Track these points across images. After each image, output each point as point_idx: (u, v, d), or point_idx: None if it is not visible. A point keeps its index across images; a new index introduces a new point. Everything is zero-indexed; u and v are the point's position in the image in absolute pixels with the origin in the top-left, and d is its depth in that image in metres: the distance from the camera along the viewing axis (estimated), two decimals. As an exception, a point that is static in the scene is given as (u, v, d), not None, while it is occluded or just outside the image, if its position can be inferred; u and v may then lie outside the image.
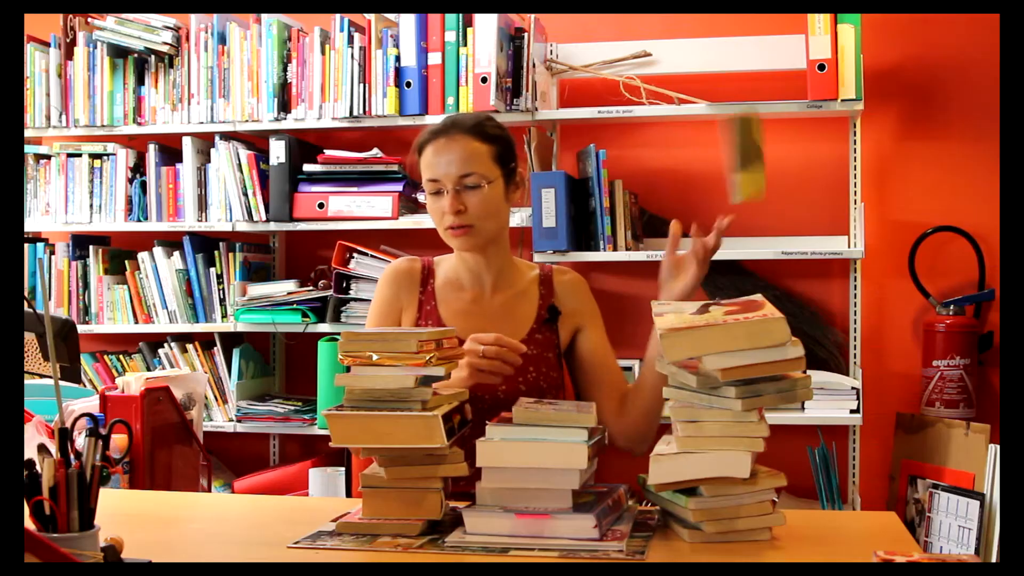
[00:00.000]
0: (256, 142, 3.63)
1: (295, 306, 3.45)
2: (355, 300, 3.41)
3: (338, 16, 3.44)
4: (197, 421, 2.27)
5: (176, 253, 3.58)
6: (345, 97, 3.42)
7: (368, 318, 2.17)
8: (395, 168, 3.42)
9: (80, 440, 1.40)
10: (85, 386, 3.09)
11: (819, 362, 3.27)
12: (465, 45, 3.34)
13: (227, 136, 3.55)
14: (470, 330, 1.93)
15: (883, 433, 3.33)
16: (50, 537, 1.24)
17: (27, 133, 3.70)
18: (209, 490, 2.28)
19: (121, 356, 3.65)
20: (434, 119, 3.32)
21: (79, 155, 3.67)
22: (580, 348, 2.13)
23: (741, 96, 3.34)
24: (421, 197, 2.13)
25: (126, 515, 1.74)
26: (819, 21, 3.10)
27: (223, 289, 3.56)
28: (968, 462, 3.01)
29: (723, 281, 3.38)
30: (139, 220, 3.63)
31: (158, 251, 3.60)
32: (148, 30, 3.57)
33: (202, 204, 3.58)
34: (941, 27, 3.34)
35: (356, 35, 3.43)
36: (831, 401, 3.11)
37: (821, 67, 3.10)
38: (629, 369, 3.27)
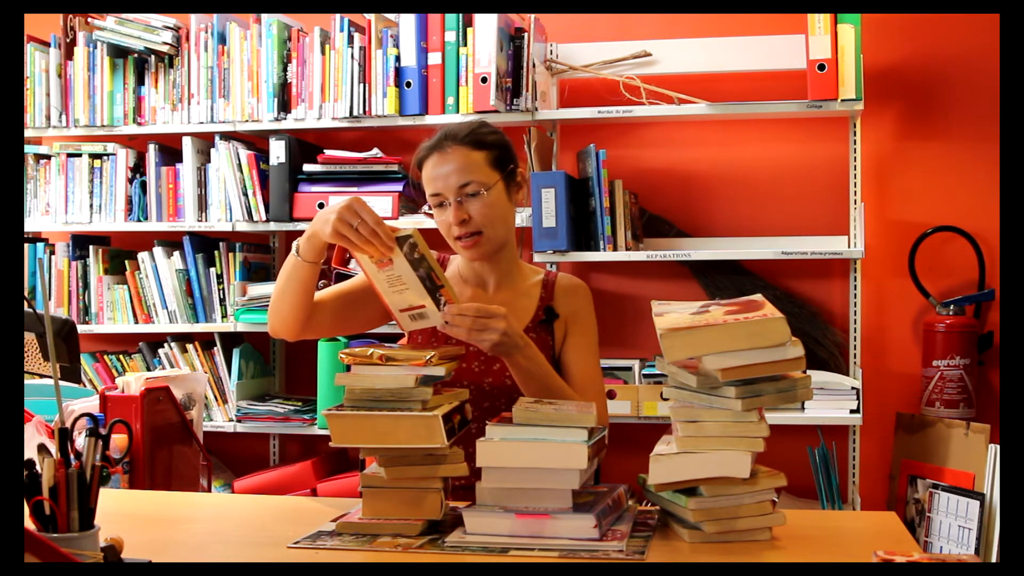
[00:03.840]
0: (256, 142, 3.63)
1: (295, 306, 3.44)
2: (355, 300, 3.40)
3: (338, 16, 3.44)
4: (197, 421, 2.27)
5: (176, 253, 3.58)
6: (345, 97, 3.42)
7: None
8: (395, 168, 3.42)
9: (80, 440, 1.40)
10: (85, 386, 3.09)
11: (819, 362, 3.27)
12: (465, 45, 3.34)
13: (227, 136, 3.55)
14: None
15: (883, 433, 3.33)
16: (50, 537, 1.24)
17: (27, 133, 3.70)
18: (209, 490, 2.28)
19: (121, 356, 3.65)
20: (434, 119, 3.32)
21: (79, 155, 3.67)
22: (561, 348, 2.13)
23: (741, 96, 3.34)
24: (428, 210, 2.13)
25: (126, 515, 1.74)
26: (819, 21, 3.10)
27: (223, 289, 3.56)
28: (968, 462, 3.01)
29: (723, 281, 3.38)
30: (139, 220, 3.63)
31: (158, 251, 3.59)
32: (148, 30, 3.57)
33: (202, 204, 3.58)
34: (941, 27, 3.34)
35: (356, 35, 3.43)
36: (831, 401, 3.11)
37: (821, 67, 3.10)
38: (628, 368, 3.27)
